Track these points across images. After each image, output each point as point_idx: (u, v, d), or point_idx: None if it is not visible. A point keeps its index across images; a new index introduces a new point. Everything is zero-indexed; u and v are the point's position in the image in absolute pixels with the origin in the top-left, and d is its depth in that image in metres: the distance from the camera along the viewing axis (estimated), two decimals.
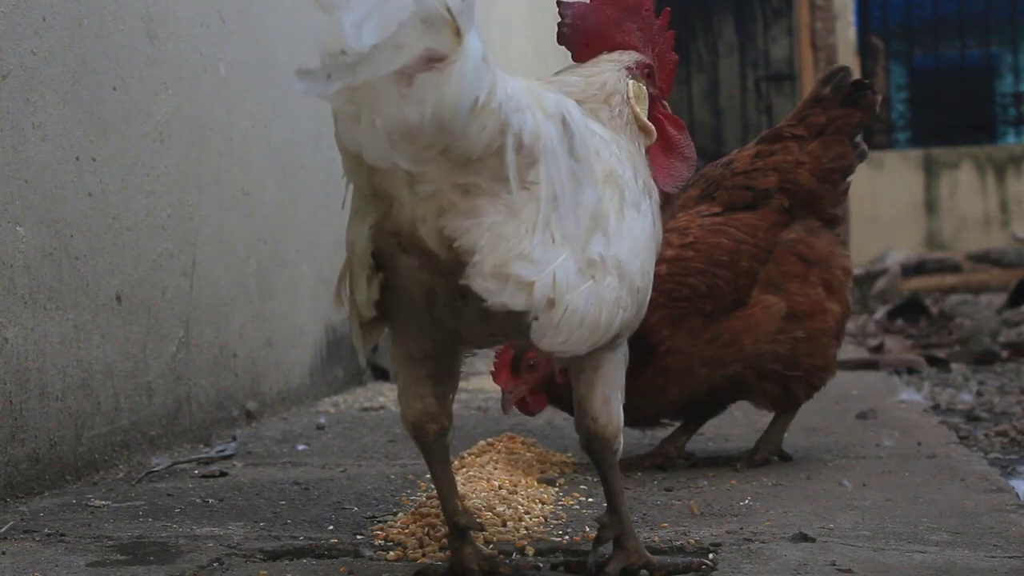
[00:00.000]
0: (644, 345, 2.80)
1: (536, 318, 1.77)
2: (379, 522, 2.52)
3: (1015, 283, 8.85)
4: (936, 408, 4.32)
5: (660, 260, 2.90)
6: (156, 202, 3.43)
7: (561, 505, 2.66)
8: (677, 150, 2.20)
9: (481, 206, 1.74)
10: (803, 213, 3.10)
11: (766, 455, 3.10)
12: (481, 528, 2.18)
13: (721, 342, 2.94)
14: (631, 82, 2.14)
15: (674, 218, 3.00)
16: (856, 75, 3.31)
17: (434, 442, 2.02)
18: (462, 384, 4.97)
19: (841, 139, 3.15)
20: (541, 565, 2.19)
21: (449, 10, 1.60)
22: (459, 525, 2.05)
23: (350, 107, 1.66)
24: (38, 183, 2.90)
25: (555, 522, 2.50)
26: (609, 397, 2.02)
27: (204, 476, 3.10)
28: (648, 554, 2.09)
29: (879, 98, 3.22)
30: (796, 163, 3.10)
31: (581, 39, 2.19)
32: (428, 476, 2.98)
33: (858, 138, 3.20)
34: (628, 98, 2.12)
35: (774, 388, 3.05)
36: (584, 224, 1.85)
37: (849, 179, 3.19)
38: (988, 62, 17.59)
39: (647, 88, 2.17)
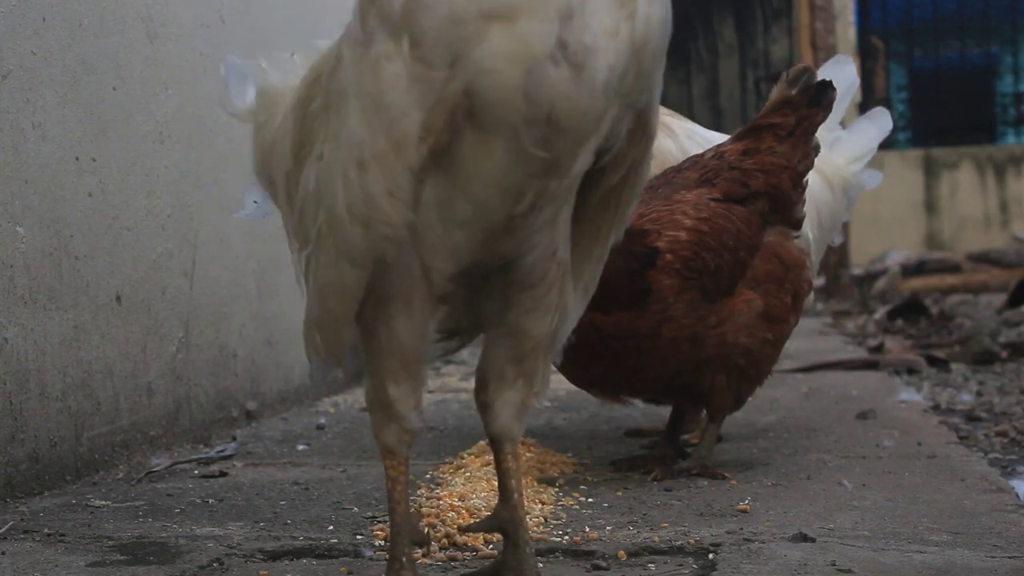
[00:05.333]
0: (652, 305, 2.84)
1: None
2: (379, 522, 2.52)
3: (1015, 283, 8.85)
4: (936, 408, 4.31)
5: (681, 228, 2.91)
6: (156, 202, 3.43)
7: (561, 505, 2.66)
8: None
9: None
10: (775, 219, 3.09)
11: (699, 462, 2.99)
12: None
13: (709, 323, 2.92)
14: None
15: (678, 193, 3.00)
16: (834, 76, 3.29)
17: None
18: (462, 384, 5.00)
19: (807, 140, 3.14)
20: (542, 565, 2.19)
21: None
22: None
23: None
24: (38, 183, 2.90)
25: (555, 522, 2.50)
26: None
27: (204, 476, 3.10)
28: None
29: (835, 94, 3.21)
30: (781, 167, 3.09)
31: None
32: (428, 476, 2.99)
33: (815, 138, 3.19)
34: None
35: (730, 384, 3.00)
36: None
37: (807, 180, 3.17)
38: (988, 62, 17.61)
39: None
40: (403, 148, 1.66)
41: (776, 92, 3.17)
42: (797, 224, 3.13)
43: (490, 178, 1.71)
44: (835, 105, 3.24)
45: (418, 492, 2.79)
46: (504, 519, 1.99)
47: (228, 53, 2.56)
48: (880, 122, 3.71)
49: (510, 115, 1.64)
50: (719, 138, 3.55)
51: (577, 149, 1.72)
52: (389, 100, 1.65)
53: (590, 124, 1.70)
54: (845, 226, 10.64)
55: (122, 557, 2.29)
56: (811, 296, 3.17)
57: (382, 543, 2.35)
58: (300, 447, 3.53)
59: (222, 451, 3.42)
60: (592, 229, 1.94)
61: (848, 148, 3.66)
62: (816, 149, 3.17)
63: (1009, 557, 2.17)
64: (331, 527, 2.50)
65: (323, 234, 1.78)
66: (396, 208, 1.69)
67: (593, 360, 2.90)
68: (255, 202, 2.49)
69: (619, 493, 2.78)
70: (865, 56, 14.96)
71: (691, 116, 3.75)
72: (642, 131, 1.83)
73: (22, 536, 2.46)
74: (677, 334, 2.88)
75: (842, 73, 3.41)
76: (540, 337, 1.93)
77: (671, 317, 2.88)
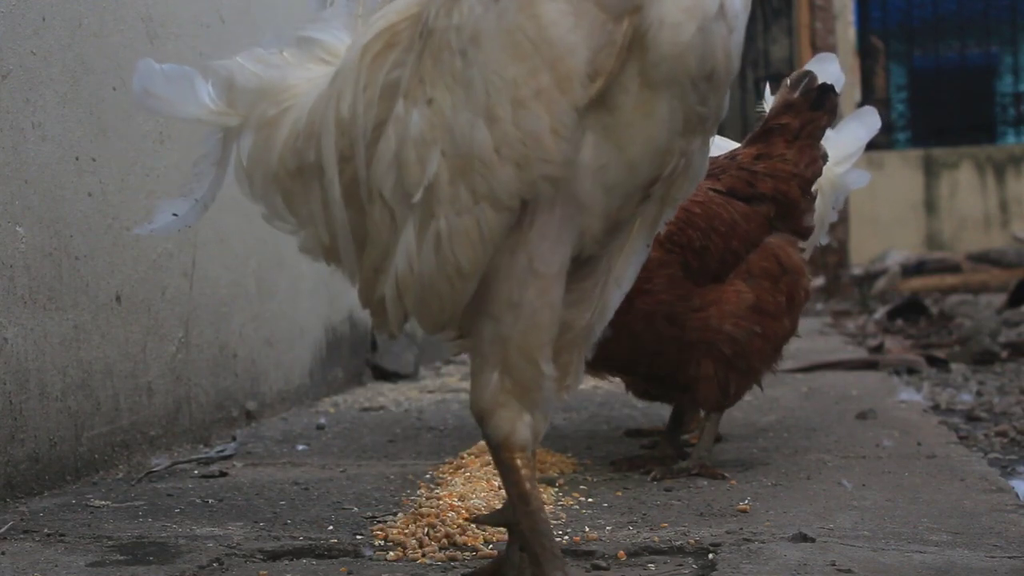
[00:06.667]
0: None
1: None
2: (379, 522, 2.52)
3: (1015, 283, 8.86)
4: (936, 408, 4.32)
5: None
6: (156, 202, 3.42)
7: (561, 505, 2.66)
8: None
9: None
10: (783, 226, 3.10)
11: (699, 462, 2.98)
12: None
13: (691, 305, 2.93)
14: None
15: None
16: (838, 76, 3.29)
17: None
18: (462, 384, 5.00)
19: (813, 144, 3.14)
20: None
21: None
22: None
23: None
24: (38, 183, 2.90)
25: (555, 522, 2.50)
26: None
27: (204, 476, 3.10)
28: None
29: (838, 99, 3.22)
30: (790, 174, 3.10)
31: None
32: (428, 476, 2.99)
33: (822, 142, 3.19)
34: None
35: (716, 373, 3.00)
36: None
37: (815, 188, 3.18)
38: (988, 62, 17.62)
39: None
40: (569, 85, 1.65)
41: (778, 97, 3.19)
42: (806, 233, 3.14)
43: (648, 138, 1.72)
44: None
45: (418, 492, 2.79)
46: (513, 515, 1.98)
47: (143, 59, 2.37)
48: (868, 122, 3.71)
49: (680, 71, 1.68)
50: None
51: (718, 107, 1.78)
52: (552, 36, 1.65)
53: (729, 84, 1.78)
54: (845, 226, 10.67)
55: (122, 557, 2.29)
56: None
57: (382, 543, 2.35)
58: (300, 447, 3.53)
59: (222, 451, 3.42)
60: (639, 224, 1.93)
61: (834, 149, 3.66)
62: (824, 157, 3.17)
63: (1009, 557, 2.17)
64: (331, 527, 2.50)
65: (444, 181, 1.73)
66: (560, 146, 1.67)
67: None
68: (174, 215, 2.39)
69: (619, 493, 2.79)
70: (865, 56, 14.96)
71: None
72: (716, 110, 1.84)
73: (22, 536, 2.46)
74: (652, 308, 2.89)
75: (826, 72, 3.42)
76: (579, 330, 1.92)
77: (646, 290, 2.88)
